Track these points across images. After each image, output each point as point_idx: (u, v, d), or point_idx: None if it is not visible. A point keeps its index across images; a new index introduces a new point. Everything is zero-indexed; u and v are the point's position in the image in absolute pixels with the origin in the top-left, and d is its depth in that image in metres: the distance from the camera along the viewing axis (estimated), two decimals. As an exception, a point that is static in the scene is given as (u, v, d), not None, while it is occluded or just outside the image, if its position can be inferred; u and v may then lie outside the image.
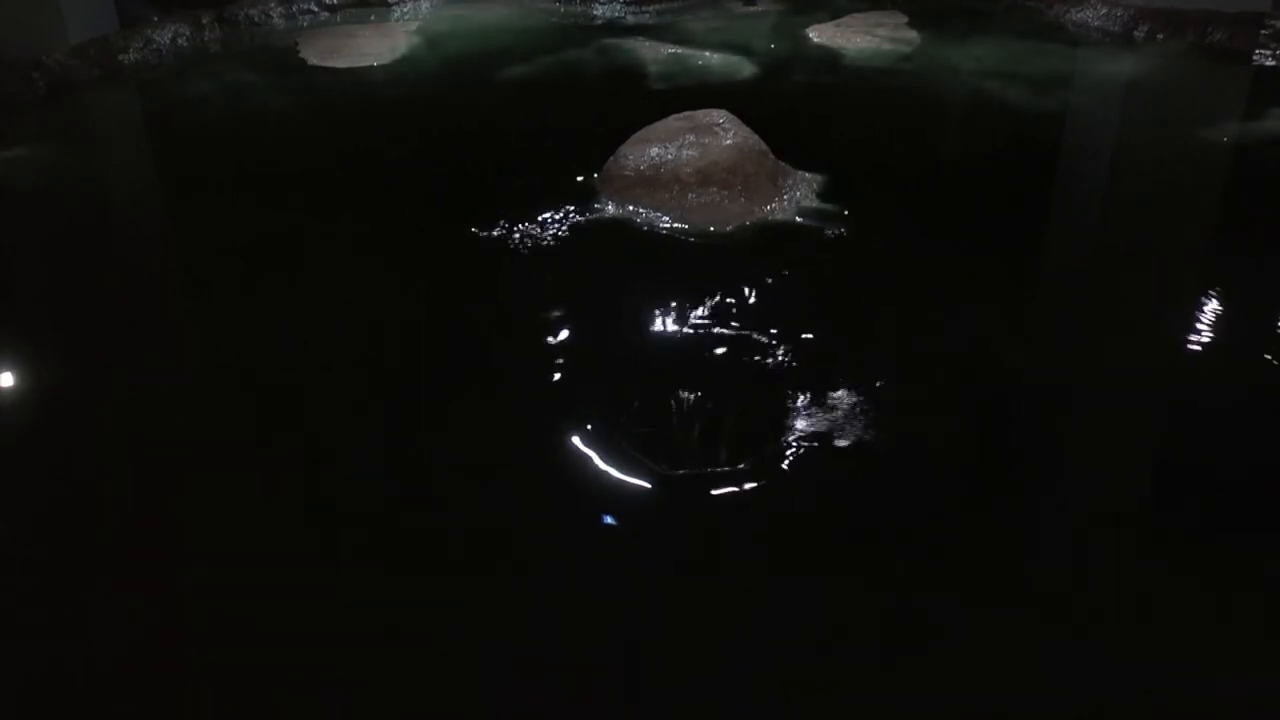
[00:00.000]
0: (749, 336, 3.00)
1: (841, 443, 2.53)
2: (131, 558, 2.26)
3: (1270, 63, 5.86)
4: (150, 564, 2.24)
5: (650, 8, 8.00)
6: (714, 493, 2.35)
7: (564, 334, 3.07)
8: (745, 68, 6.19)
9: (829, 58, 6.48)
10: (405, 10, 7.94)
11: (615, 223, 3.88)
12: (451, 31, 7.22)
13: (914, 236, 3.85)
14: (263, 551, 2.28)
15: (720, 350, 2.95)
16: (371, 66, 6.38)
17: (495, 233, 3.76)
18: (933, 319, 3.22)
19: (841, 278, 3.53)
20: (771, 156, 4.19)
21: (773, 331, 3.02)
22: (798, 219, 3.90)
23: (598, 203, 4.03)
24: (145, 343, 3.22)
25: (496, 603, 2.11)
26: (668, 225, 3.86)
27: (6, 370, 3.06)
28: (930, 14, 7.39)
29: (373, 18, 7.73)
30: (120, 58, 6.21)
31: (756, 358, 2.90)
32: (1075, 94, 5.63)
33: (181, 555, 2.27)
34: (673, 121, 4.41)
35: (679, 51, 6.57)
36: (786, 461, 2.45)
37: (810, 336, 3.00)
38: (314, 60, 6.53)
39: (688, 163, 4.09)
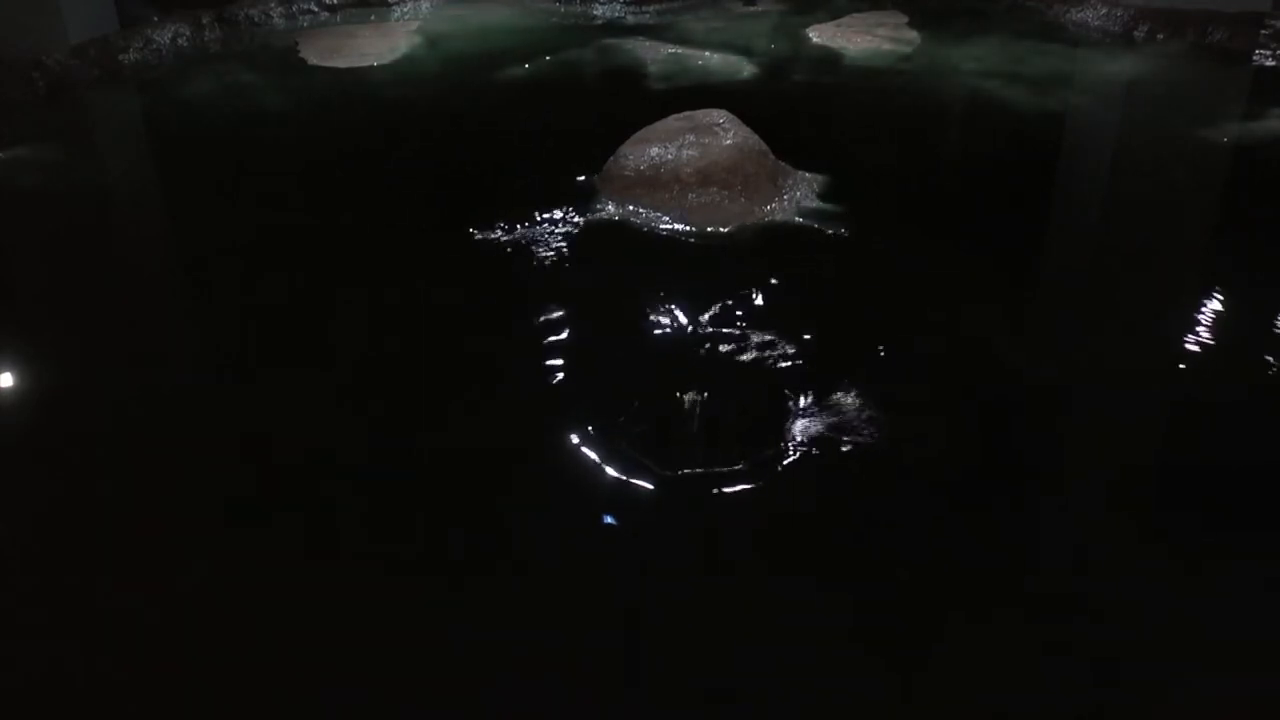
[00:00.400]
0: (749, 336, 3.00)
1: (841, 443, 2.52)
2: (131, 558, 2.26)
3: (1270, 63, 5.86)
4: (150, 564, 2.24)
5: (650, 8, 8.00)
6: (714, 493, 2.35)
7: (564, 334, 3.06)
8: (745, 68, 6.19)
9: (829, 58, 6.48)
10: (405, 10, 7.94)
11: (615, 223, 3.88)
12: (451, 31, 7.22)
13: (914, 236, 3.85)
14: (263, 551, 2.28)
15: (720, 350, 2.95)
16: (371, 66, 6.38)
17: (495, 233, 3.76)
18: (933, 319, 3.22)
19: (842, 278, 3.53)
20: (771, 156, 4.20)
21: (773, 331, 3.01)
22: (798, 219, 3.90)
23: (598, 203, 4.03)
24: (145, 343, 3.22)
25: (497, 603, 2.10)
26: (668, 225, 3.86)
27: (6, 370, 3.06)
28: (930, 14, 7.39)
29: (373, 18, 7.73)
30: (120, 58, 6.21)
31: (756, 358, 2.90)
32: (1075, 94, 5.63)
33: (181, 555, 2.27)
34: (673, 121, 4.41)
35: (679, 51, 6.57)
36: (786, 462, 2.45)
37: (810, 337, 3.00)
38: (314, 60, 6.53)
39: (688, 163, 4.09)
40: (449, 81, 6.11)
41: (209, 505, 2.43)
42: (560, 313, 3.18)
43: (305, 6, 7.84)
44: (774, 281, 3.39)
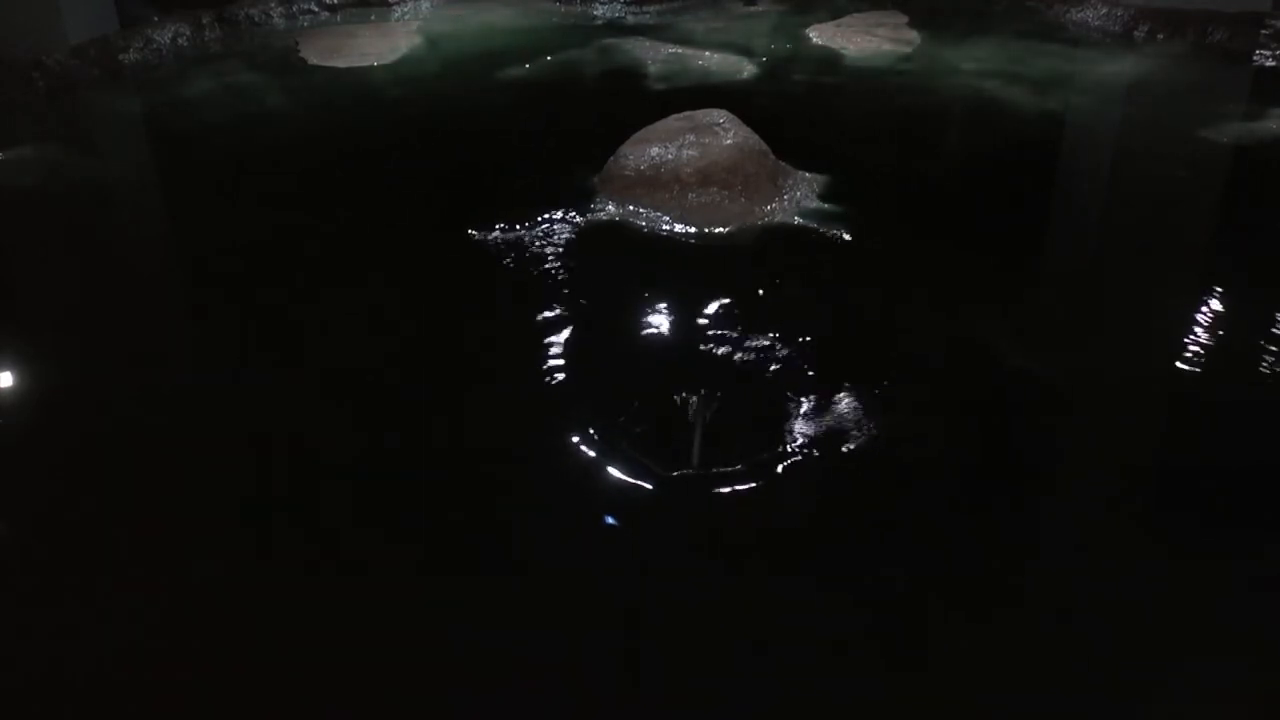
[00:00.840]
0: (749, 337, 3.00)
1: (841, 443, 2.53)
2: (131, 558, 2.26)
3: (1270, 63, 5.86)
4: (150, 564, 2.24)
5: (650, 8, 8.00)
6: (714, 493, 2.35)
7: (564, 334, 3.06)
8: (745, 68, 6.19)
9: (829, 58, 6.48)
10: (405, 10, 7.94)
11: (615, 223, 3.88)
12: (452, 31, 7.22)
13: (914, 236, 3.85)
14: (263, 551, 2.28)
15: (720, 350, 2.95)
16: (372, 66, 6.37)
17: (495, 233, 3.76)
18: (933, 319, 3.22)
19: (842, 278, 3.53)
20: (771, 156, 4.20)
21: (772, 331, 3.01)
22: (798, 219, 3.90)
23: (598, 203, 4.03)
24: (145, 343, 3.22)
25: (497, 603, 2.10)
26: (668, 225, 3.86)
27: (6, 370, 3.06)
28: (930, 14, 7.39)
29: (373, 17, 7.73)
30: (120, 58, 6.21)
31: (756, 358, 2.90)
32: (1075, 94, 5.62)
33: (181, 555, 2.27)
34: (673, 121, 4.41)
35: (679, 51, 6.57)
36: (786, 462, 2.45)
37: (810, 337, 3.00)
38: (314, 60, 6.53)
39: (688, 163, 4.09)
40: (449, 81, 6.11)
41: (209, 505, 2.43)
42: (560, 313, 3.18)
43: (305, 6, 7.84)
44: (774, 282, 3.39)
